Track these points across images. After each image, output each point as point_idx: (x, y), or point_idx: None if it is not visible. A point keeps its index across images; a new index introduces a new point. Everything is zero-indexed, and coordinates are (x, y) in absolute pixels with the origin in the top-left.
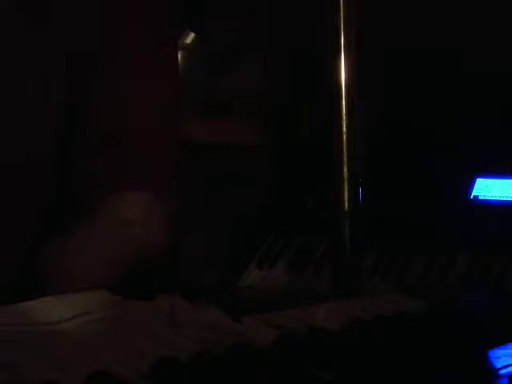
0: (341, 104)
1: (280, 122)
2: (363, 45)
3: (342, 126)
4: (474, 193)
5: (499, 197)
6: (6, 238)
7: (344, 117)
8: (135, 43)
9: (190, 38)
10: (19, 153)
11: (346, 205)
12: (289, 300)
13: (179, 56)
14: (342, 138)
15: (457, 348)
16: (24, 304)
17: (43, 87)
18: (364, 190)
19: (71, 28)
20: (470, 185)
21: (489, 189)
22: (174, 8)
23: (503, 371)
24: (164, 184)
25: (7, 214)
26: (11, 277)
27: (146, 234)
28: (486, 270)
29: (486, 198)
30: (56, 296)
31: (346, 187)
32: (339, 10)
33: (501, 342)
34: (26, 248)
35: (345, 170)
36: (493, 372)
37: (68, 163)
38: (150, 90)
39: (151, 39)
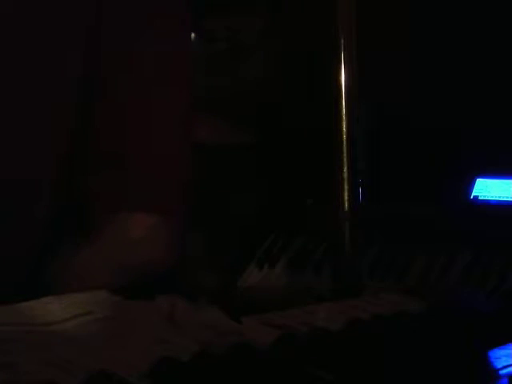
0: (341, 104)
1: (280, 121)
2: (364, 45)
3: (342, 127)
4: (474, 193)
5: (499, 197)
6: (10, 239)
7: (344, 117)
8: (148, 54)
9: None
10: (26, 155)
11: (346, 205)
12: (289, 300)
13: None
14: (342, 138)
15: (456, 348)
16: (24, 304)
17: (52, 91)
18: (364, 189)
19: (82, 35)
20: (470, 185)
21: (489, 189)
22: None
23: (503, 371)
24: (170, 203)
25: (12, 217)
26: (14, 278)
27: (150, 254)
28: (486, 270)
29: (486, 198)
30: (56, 296)
31: (346, 187)
32: (339, 11)
33: (501, 342)
34: (30, 250)
35: (345, 169)
36: (493, 372)
37: (73, 176)
38: (160, 105)
39: (166, 49)
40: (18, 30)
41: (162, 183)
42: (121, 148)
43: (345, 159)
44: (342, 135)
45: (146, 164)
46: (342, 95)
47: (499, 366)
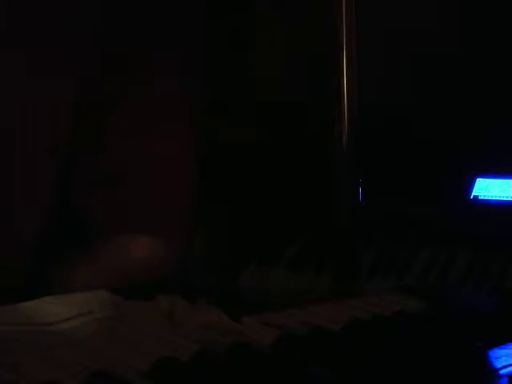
0: (342, 104)
1: (280, 121)
2: (364, 45)
3: (342, 126)
4: (474, 193)
5: (499, 197)
6: (10, 240)
7: (345, 118)
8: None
9: None
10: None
11: (346, 205)
12: (289, 300)
13: None
14: (342, 138)
15: (457, 348)
16: (24, 304)
17: (51, 112)
18: (364, 189)
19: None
20: (470, 185)
21: (489, 189)
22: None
23: (503, 371)
24: (173, 225)
25: (11, 220)
26: (14, 278)
27: (150, 275)
28: (486, 270)
29: (486, 197)
30: (56, 296)
31: (346, 186)
32: (339, 10)
33: (501, 342)
34: (30, 253)
35: (345, 170)
36: (493, 372)
37: (72, 193)
38: (164, 123)
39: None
40: (22, 31)
41: (166, 203)
42: (121, 169)
43: (345, 159)
44: (342, 135)
45: (149, 183)
46: (342, 94)
47: (499, 365)
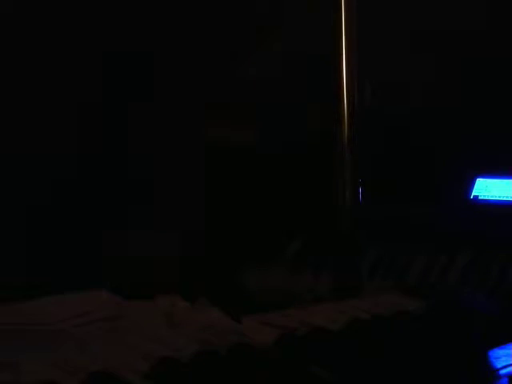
0: (342, 105)
1: (280, 121)
2: (364, 46)
3: (342, 127)
4: (474, 193)
5: (499, 197)
6: (11, 244)
7: (345, 118)
8: None
9: None
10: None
11: (346, 205)
12: (289, 300)
13: None
14: (343, 139)
15: (457, 348)
16: (24, 304)
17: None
18: (364, 190)
19: None
20: (470, 185)
21: (489, 189)
22: None
23: (503, 371)
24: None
25: (13, 224)
26: (15, 278)
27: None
28: (486, 270)
29: (486, 197)
30: (56, 296)
31: (346, 187)
32: (340, 11)
33: (501, 342)
34: (30, 255)
35: (345, 170)
36: (493, 372)
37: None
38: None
39: None
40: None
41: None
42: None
43: (346, 160)
44: (343, 136)
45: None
46: (343, 96)
47: (499, 365)
